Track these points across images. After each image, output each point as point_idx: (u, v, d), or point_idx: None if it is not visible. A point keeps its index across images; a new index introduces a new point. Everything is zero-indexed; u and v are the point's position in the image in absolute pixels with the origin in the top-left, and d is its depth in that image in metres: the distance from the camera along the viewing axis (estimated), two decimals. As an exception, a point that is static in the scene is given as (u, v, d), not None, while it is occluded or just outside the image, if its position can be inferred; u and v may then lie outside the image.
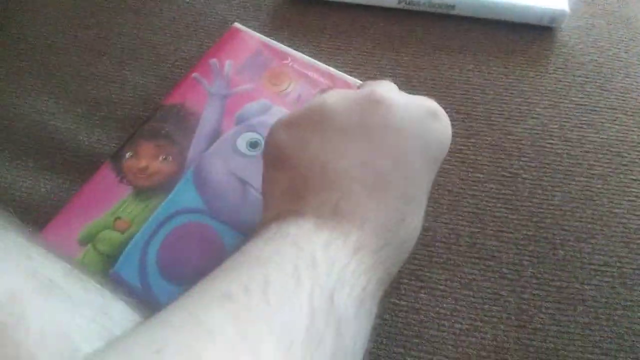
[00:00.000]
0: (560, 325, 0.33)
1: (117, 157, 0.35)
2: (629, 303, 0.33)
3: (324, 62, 0.40)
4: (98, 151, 0.38)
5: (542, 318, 0.33)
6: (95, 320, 0.24)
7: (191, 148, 0.35)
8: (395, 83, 0.41)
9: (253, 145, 0.36)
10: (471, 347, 0.32)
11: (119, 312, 0.26)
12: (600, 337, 0.32)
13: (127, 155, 0.35)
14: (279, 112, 0.37)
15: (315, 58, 0.43)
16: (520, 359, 0.32)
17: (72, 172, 0.38)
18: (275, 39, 0.41)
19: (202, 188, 0.34)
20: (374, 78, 0.42)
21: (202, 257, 0.32)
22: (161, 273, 0.32)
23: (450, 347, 0.32)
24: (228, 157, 0.35)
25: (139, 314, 0.28)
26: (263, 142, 0.33)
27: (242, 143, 0.36)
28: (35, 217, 0.35)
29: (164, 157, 0.35)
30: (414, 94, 0.41)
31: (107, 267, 0.32)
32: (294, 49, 0.41)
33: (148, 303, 0.30)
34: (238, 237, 0.33)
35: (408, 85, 0.41)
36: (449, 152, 0.38)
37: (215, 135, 0.36)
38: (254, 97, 0.38)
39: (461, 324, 0.33)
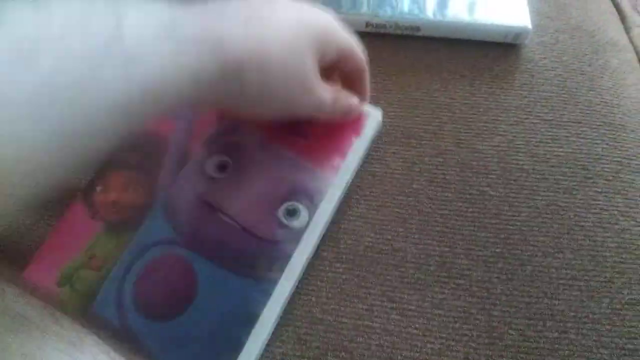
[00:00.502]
0: (530, 341, 0.33)
1: (88, 191, 0.35)
2: (597, 316, 0.34)
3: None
4: (73, 183, 0.39)
5: (512, 334, 0.33)
6: (66, 352, 0.25)
7: (160, 175, 0.35)
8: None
9: (221, 167, 0.35)
10: (443, 366, 0.33)
11: (90, 346, 0.27)
12: (569, 351, 0.33)
13: (98, 189, 0.35)
14: (247, 130, 0.36)
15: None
16: (492, 376, 0.32)
17: (48, 205, 0.38)
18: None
19: (172, 216, 0.34)
20: (344, 100, 0.43)
21: (175, 289, 0.32)
22: (137, 309, 0.32)
23: (422, 367, 0.32)
24: (197, 182, 0.35)
25: (112, 347, 0.28)
26: (233, 164, 0.34)
27: (210, 166, 0.35)
28: (14, 254, 0.36)
29: (133, 187, 0.35)
30: (382, 115, 0.42)
31: (86, 305, 0.32)
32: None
33: (127, 339, 0.30)
34: (210, 266, 0.33)
35: (377, 105, 0.42)
36: (417, 172, 0.39)
37: (184, 159, 0.36)
38: (222, 116, 0.37)
39: (433, 343, 0.33)
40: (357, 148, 0.36)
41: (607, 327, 0.34)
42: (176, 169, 0.35)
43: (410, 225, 0.37)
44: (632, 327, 0.34)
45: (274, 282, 0.32)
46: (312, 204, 0.34)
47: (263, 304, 0.32)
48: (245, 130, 0.36)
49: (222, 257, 0.33)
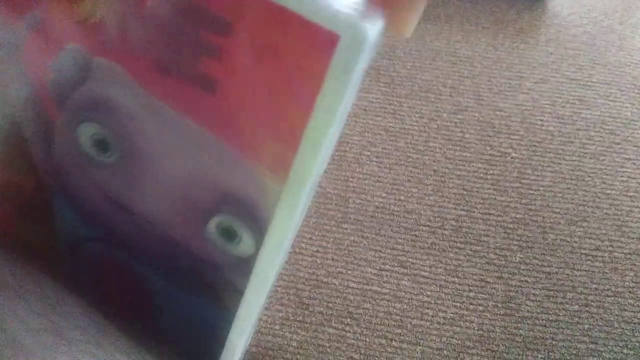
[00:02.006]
0: (549, 313, 0.31)
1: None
2: (620, 289, 0.32)
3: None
4: None
5: (530, 306, 0.31)
6: (44, 315, 0.22)
7: (32, 150, 0.23)
8: (379, 52, 0.39)
9: (101, 145, 0.21)
10: (456, 336, 0.30)
11: (71, 307, 0.24)
12: (590, 325, 0.31)
13: None
14: (106, 70, 0.19)
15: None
16: (507, 348, 0.30)
17: None
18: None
19: (80, 212, 0.24)
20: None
21: (128, 299, 0.25)
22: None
23: (434, 336, 0.30)
24: (80, 166, 0.22)
25: (97, 308, 0.25)
26: (114, 140, 0.20)
27: (85, 141, 0.21)
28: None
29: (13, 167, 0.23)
30: (398, 64, 0.39)
31: None
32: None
33: None
34: (156, 278, 0.24)
35: (393, 55, 0.38)
36: (435, 129, 0.35)
37: (45, 125, 0.22)
38: (52, 40, 0.19)
39: (445, 312, 0.31)
40: (325, 113, 0.15)
41: (630, 301, 0.32)
42: (42, 141, 0.22)
43: (425, 186, 0.34)
44: (655, 302, 0.32)
45: (233, 310, 0.22)
46: (255, 225, 0.19)
47: (226, 329, 0.23)
48: (99, 65, 0.19)
49: (163, 269, 0.23)
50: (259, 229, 0.19)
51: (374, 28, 0.13)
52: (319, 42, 0.14)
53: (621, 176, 0.35)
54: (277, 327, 0.30)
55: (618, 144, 0.36)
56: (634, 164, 0.35)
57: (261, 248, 0.19)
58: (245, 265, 0.20)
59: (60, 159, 0.22)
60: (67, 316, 0.22)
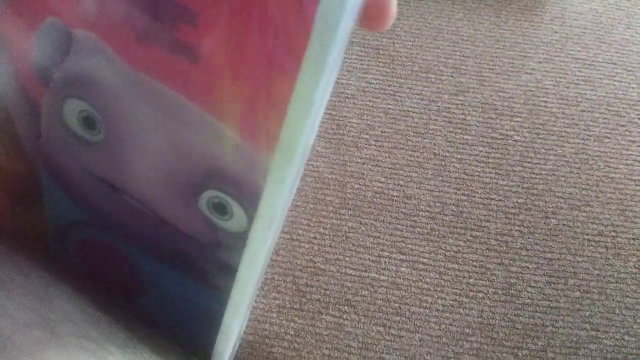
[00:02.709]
0: (550, 300, 0.30)
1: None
2: (622, 275, 0.31)
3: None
4: None
5: (530, 292, 0.31)
6: (33, 309, 0.21)
7: (21, 133, 0.22)
8: (378, 32, 0.37)
9: (88, 123, 0.20)
10: (455, 323, 0.30)
11: (61, 300, 0.23)
12: (591, 311, 0.30)
13: None
14: (87, 43, 0.17)
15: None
16: (507, 335, 0.30)
17: None
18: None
19: (70, 194, 0.23)
20: (355, 27, 0.38)
21: (119, 281, 0.25)
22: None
23: (433, 324, 0.30)
24: (69, 146, 0.21)
25: (89, 298, 0.25)
26: (100, 116, 0.19)
27: (72, 119, 0.20)
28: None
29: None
30: (398, 44, 0.38)
31: None
32: None
33: None
34: (149, 260, 0.23)
35: (392, 34, 0.37)
36: (435, 111, 0.34)
37: (31, 104, 0.21)
38: (31, 14, 0.18)
39: (445, 299, 0.30)
40: (310, 78, 0.14)
41: (633, 287, 0.31)
42: (30, 122, 0.22)
43: (425, 170, 0.33)
44: (658, 288, 0.31)
45: (226, 290, 0.22)
46: (246, 200, 0.18)
47: (221, 311, 0.23)
48: (81, 38, 0.17)
49: (154, 250, 0.23)
50: (250, 204, 0.18)
51: None
52: (300, 3, 0.13)
53: (626, 159, 0.34)
54: (274, 315, 0.29)
55: (623, 125, 0.35)
56: (639, 146, 0.34)
57: (253, 222, 0.18)
58: (238, 241, 0.20)
59: (48, 139, 0.21)
60: (58, 309, 0.21)
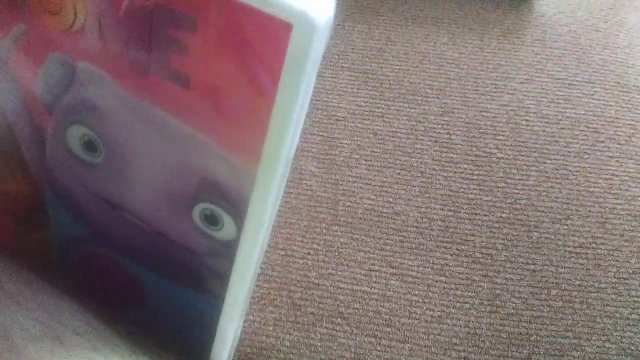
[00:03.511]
0: (534, 310, 0.32)
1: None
2: (602, 285, 0.33)
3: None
4: None
5: (515, 303, 0.32)
6: (42, 322, 0.23)
7: (27, 157, 0.24)
8: (366, 56, 0.39)
9: (90, 147, 0.22)
10: (443, 334, 0.31)
11: (70, 315, 0.25)
12: (573, 320, 0.32)
13: None
14: (89, 74, 0.20)
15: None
16: (493, 344, 0.31)
17: None
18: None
19: (73, 212, 0.24)
20: (344, 52, 0.40)
21: (119, 292, 0.26)
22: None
23: (421, 334, 0.31)
24: (72, 168, 0.23)
25: (95, 313, 0.27)
26: (101, 140, 0.21)
27: (74, 144, 0.22)
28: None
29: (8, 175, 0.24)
30: (386, 68, 0.40)
31: None
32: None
33: None
34: (146, 271, 0.25)
35: (380, 59, 0.39)
36: (422, 131, 0.36)
37: (36, 131, 0.23)
38: (37, 49, 0.20)
39: (433, 310, 0.32)
40: (287, 100, 0.17)
41: (613, 296, 0.32)
42: (35, 146, 0.23)
43: (412, 187, 0.35)
44: (637, 297, 0.33)
45: (220, 297, 0.24)
46: (235, 210, 0.20)
47: (216, 317, 0.24)
48: (84, 70, 0.20)
49: (152, 263, 0.24)
50: (239, 213, 0.20)
51: (323, 16, 0.14)
52: (274, 33, 0.15)
53: (605, 174, 0.36)
54: (271, 328, 0.31)
55: (602, 142, 0.37)
56: (617, 161, 0.36)
57: (242, 231, 0.20)
58: (230, 249, 0.21)
59: (52, 161, 0.23)
60: (65, 322, 0.23)
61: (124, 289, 0.26)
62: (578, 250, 0.33)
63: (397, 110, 0.37)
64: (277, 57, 0.15)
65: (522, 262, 0.33)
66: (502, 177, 0.35)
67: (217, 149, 0.19)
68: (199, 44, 0.16)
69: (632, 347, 0.31)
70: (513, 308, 0.32)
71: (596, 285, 0.33)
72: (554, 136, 0.37)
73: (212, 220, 0.21)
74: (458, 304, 0.32)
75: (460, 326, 0.32)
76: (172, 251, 0.23)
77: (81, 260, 0.26)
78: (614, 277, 0.33)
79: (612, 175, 0.36)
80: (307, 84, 0.16)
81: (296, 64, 0.15)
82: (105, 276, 0.26)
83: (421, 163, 0.35)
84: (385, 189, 0.35)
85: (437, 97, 0.37)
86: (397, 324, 0.31)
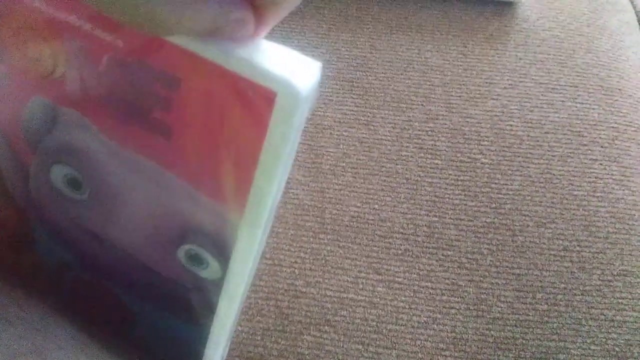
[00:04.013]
0: (519, 314, 0.32)
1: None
2: (587, 288, 0.33)
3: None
4: None
5: (500, 307, 0.32)
6: (28, 338, 0.23)
7: (9, 186, 0.24)
8: (351, 65, 0.40)
9: (74, 185, 0.22)
10: (429, 339, 0.32)
11: (55, 330, 0.25)
12: (559, 323, 0.32)
13: None
14: (72, 119, 0.20)
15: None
16: (479, 349, 0.31)
17: None
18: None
19: (60, 241, 0.24)
20: (330, 61, 0.40)
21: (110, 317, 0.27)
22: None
23: (408, 340, 0.32)
24: (57, 202, 0.23)
25: (81, 329, 0.27)
26: (85, 179, 0.21)
27: (58, 181, 0.22)
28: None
29: None
30: (371, 76, 0.40)
31: None
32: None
33: None
34: (136, 299, 0.25)
35: (365, 67, 0.39)
36: (407, 138, 0.37)
37: (18, 166, 0.23)
38: (20, 92, 0.20)
39: (419, 316, 0.32)
40: (270, 161, 0.16)
41: (598, 298, 0.33)
42: (19, 180, 0.23)
43: (398, 194, 0.35)
44: (622, 298, 0.33)
45: (208, 325, 0.24)
46: (220, 253, 0.20)
47: (203, 344, 0.25)
48: (67, 114, 0.20)
49: (139, 291, 0.24)
50: (224, 255, 0.20)
51: (307, 84, 0.15)
52: (258, 99, 0.15)
53: (588, 177, 0.36)
54: (258, 337, 0.31)
55: (585, 145, 0.37)
56: (600, 164, 0.36)
57: (227, 272, 0.21)
58: (215, 287, 0.22)
59: (36, 195, 0.23)
60: (51, 338, 0.23)
61: (114, 313, 0.26)
62: (563, 253, 0.34)
63: (382, 118, 0.37)
64: (261, 122, 0.15)
65: (507, 267, 0.33)
66: (486, 182, 0.35)
67: (200, 197, 0.19)
68: (182, 100, 0.16)
69: (617, 349, 0.32)
70: (499, 312, 0.32)
71: (581, 288, 0.33)
72: (537, 140, 0.37)
73: (197, 260, 0.21)
74: (444, 310, 0.32)
75: (447, 331, 0.32)
76: (159, 283, 0.23)
77: (70, 284, 0.26)
78: (599, 279, 0.33)
79: (595, 178, 0.36)
80: (290, 146, 0.16)
81: (280, 130, 0.15)
82: (95, 300, 0.26)
83: (406, 170, 0.36)
84: (371, 196, 0.35)
85: (422, 104, 0.38)
86: (384, 330, 0.32)
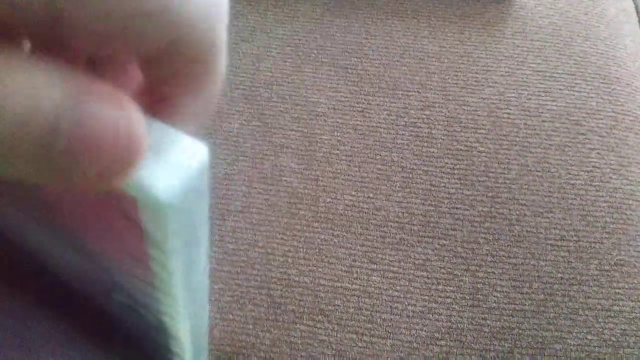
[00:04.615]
0: (515, 304, 0.32)
1: None
2: (584, 277, 0.33)
3: (269, 30, 0.38)
4: None
5: (496, 297, 0.32)
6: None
7: None
8: (346, 50, 0.39)
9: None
10: (425, 329, 0.31)
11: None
12: (555, 313, 0.32)
13: None
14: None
15: (259, 26, 0.40)
16: (475, 339, 0.31)
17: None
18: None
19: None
20: (324, 47, 0.39)
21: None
22: None
23: (403, 330, 0.31)
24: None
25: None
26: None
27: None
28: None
29: None
30: (366, 62, 0.39)
31: None
32: (236, 20, 0.38)
33: None
34: None
35: (360, 53, 0.39)
36: (402, 126, 0.36)
37: None
38: None
39: (414, 305, 0.32)
40: (162, 266, 0.15)
41: (595, 288, 0.32)
42: None
43: (393, 182, 0.34)
44: (619, 288, 0.33)
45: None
46: (147, 305, 0.20)
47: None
48: None
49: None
50: (153, 307, 0.19)
51: (175, 187, 0.12)
52: (126, 202, 0.13)
53: (586, 166, 0.35)
54: (250, 326, 0.31)
55: (583, 134, 0.36)
56: (598, 153, 0.36)
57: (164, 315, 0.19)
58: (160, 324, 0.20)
59: None
60: (36, 330, 0.22)
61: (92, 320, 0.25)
62: (560, 243, 0.33)
63: (378, 105, 0.36)
64: (135, 224, 0.13)
65: (503, 256, 0.33)
66: (483, 171, 0.35)
67: (111, 262, 0.18)
68: (69, 211, 0.16)
69: (613, 339, 0.31)
70: (495, 302, 0.32)
71: (578, 278, 0.33)
72: (535, 129, 0.36)
73: (131, 304, 0.20)
74: (440, 299, 0.32)
75: (442, 321, 0.31)
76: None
77: (53, 281, 0.26)
78: (596, 269, 0.33)
79: (593, 167, 0.35)
80: (184, 238, 0.14)
81: (159, 233, 0.13)
82: (71, 294, 0.25)
83: (402, 158, 0.35)
84: (365, 184, 0.34)
85: (418, 92, 0.37)
86: (378, 320, 0.31)
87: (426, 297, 0.32)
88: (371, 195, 0.34)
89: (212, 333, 0.30)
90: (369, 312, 0.31)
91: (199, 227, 0.14)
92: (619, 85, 0.39)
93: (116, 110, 0.10)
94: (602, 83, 0.38)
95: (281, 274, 0.32)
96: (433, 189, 0.34)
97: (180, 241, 0.14)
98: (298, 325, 0.31)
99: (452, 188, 0.34)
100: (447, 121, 0.36)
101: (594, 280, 0.33)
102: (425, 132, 0.36)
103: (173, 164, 0.12)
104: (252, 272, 0.32)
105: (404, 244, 0.33)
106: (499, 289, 0.32)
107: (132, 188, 0.12)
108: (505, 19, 0.40)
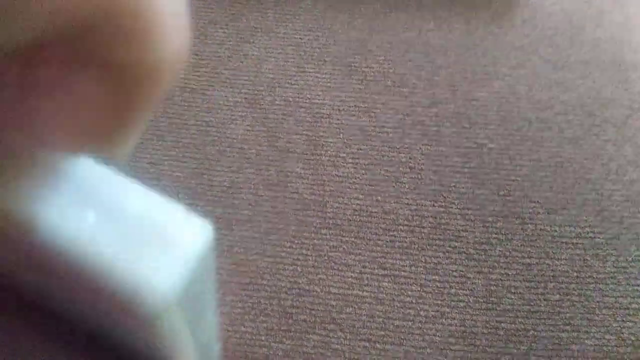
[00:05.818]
0: (530, 305, 0.31)
1: None
2: (601, 275, 0.32)
3: (270, 30, 0.37)
4: None
5: (511, 298, 0.31)
6: None
7: None
8: (349, 48, 0.38)
9: None
10: (438, 334, 0.31)
11: None
12: (572, 313, 0.31)
13: None
14: None
15: (260, 26, 0.39)
16: (490, 342, 0.31)
17: None
18: (210, 6, 0.37)
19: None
20: (326, 44, 0.38)
21: None
22: None
23: (416, 336, 0.31)
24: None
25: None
26: None
27: None
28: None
29: None
30: (370, 59, 0.38)
31: None
32: (237, 18, 0.37)
33: None
34: None
35: (364, 50, 0.38)
36: (410, 124, 0.35)
37: None
38: None
39: (427, 311, 0.31)
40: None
41: (612, 286, 0.32)
42: None
43: (401, 184, 0.34)
44: (637, 285, 0.32)
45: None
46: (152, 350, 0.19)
47: None
48: None
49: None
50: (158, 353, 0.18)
51: (175, 282, 0.11)
52: (123, 295, 0.12)
53: (601, 159, 0.34)
54: (263, 337, 0.30)
55: (598, 125, 0.35)
56: (614, 145, 0.35)
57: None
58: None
59: None
60: (25, 342, 0.22)
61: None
62: (575, 240, 0.32)
63: (383, 103, 0.36)
64: (135, 313, 0.12)
65: (517, 257, 0.32)
66: (494, 168, 0.34)
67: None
68: None
69: (632, 338, 0.31)
70: (509, 304, 0.31)
71: (594, 276, 0.32)
72: (547, 123, 0.35)
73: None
74: (452, 303, 0.31)
75: (456, 325, 0.31)
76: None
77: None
78: (613, 266, 0.32)
79: (608, 160, 0.34)
80: (187, 321, 0.13)
81: (158, 324, 0.12)
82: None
83: (410, 158, 0.34)
84: (373, 187, 0.34)
85: (424, 88, 0.36)
86: (391, 326, 0.31)
87: (439, 302, 0.31)
88: (379, 198, 0.33)
89: (226, 346, 0.30)
90: (381, 319, 0.31)
91: (206, 304, 0.14)
92: (634, 73, 0.37)
93: None
94: (616, 71, 0.37)
95: (291, 284, 0.31)
96: (443, 189, 0.34)
97: (186, 322, 0.13)
98: (311, 335, 0.30)
99: (463, 188, 0.34)
100: (455, 118, 0.35)
101: (611, 277, 0.32)
102: (433, 131, 0.35)
103: (175, 257, 0.11)
104: (262, 282, 0.31)
105: (414, 247, 0.32)
106: (513, 291, 0.31)
107: (125, 286, 0.11)
108: (513, 8, 0.39)
